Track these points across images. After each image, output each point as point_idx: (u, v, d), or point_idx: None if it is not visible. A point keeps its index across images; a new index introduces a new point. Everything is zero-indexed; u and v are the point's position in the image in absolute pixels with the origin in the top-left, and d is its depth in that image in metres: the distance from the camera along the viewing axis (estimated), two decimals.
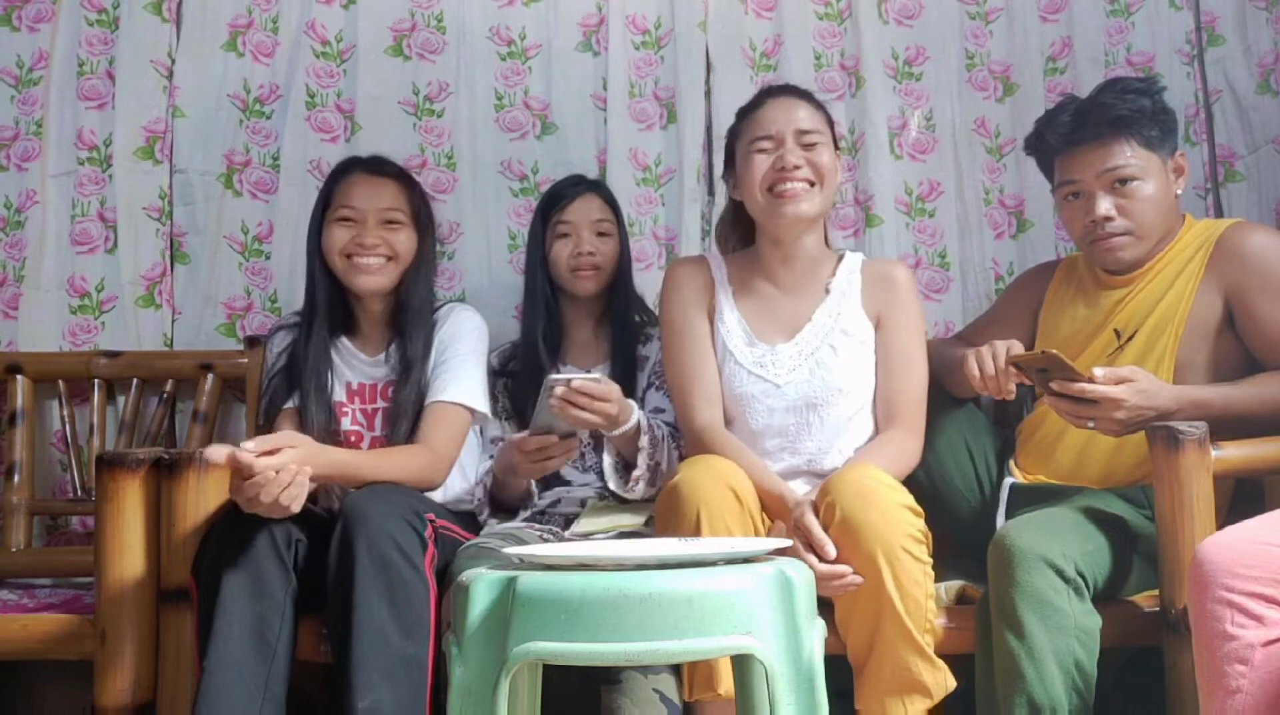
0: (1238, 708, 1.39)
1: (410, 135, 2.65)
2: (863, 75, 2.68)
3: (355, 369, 2.18)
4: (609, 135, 2.65)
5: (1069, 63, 2.71)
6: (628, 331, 2.24)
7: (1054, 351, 1.79)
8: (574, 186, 2.29)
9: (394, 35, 2.66)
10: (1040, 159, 2.14)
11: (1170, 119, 2.03)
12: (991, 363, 1.86)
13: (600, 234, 2.25)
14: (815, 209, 1.99)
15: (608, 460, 2.03)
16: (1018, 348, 1.88)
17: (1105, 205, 1.98)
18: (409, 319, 2.13)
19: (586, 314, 2.28)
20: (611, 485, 2.03)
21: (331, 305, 2.16)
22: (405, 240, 2.14)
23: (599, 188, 2.33)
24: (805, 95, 2.06)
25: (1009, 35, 2.73)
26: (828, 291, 2.05)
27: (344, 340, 2.19)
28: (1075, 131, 2.01)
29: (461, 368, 2.09)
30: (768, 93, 2.08)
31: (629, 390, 2.10)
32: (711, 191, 2.65)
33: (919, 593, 1.70)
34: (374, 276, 2.12)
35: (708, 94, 2.67)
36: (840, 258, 2.10)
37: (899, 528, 1.70)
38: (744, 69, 2.69)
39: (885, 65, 2.70)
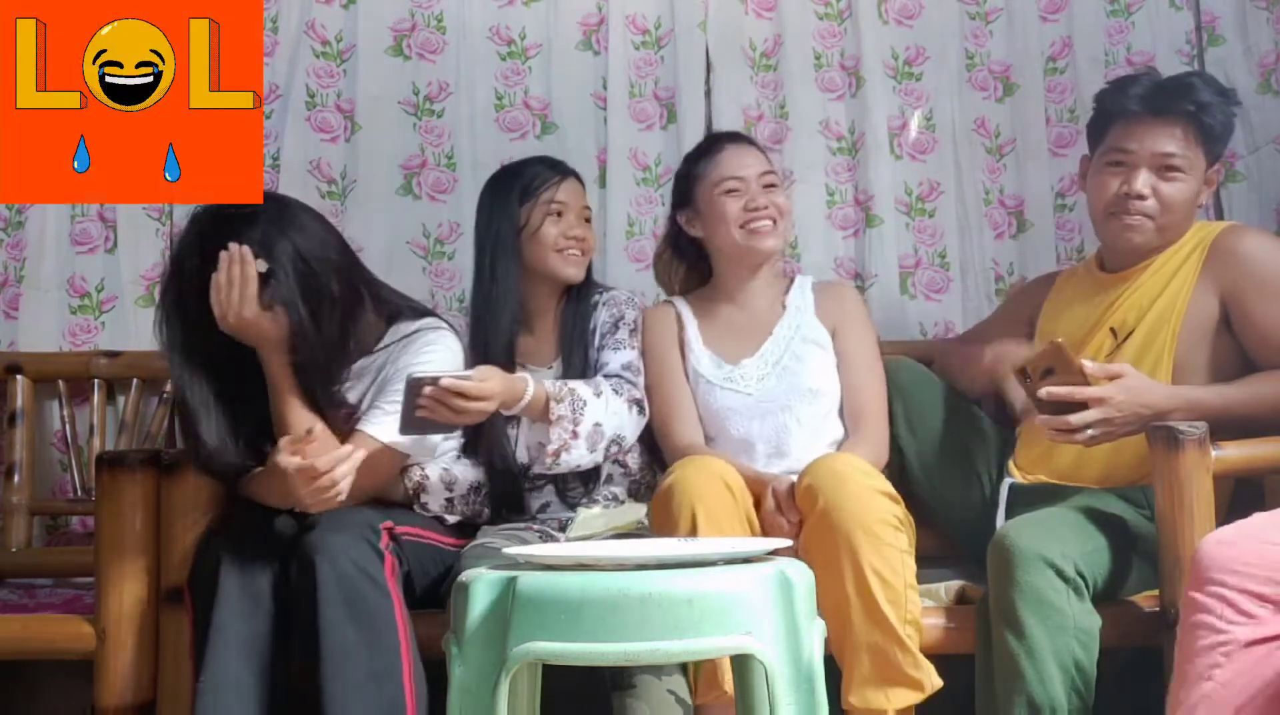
0: (1208, 697, 1.39)
1: (410, 135, 2.65)
2: (863, 75, 2.68)
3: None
4: (609, 135, 2.65)
5: (1069, 63, 2.71)
6: (582, 324, 2.15)
7: (1059, 341, 1.79)
8: (552, 168, 2.18)
9: (394, 35, 2.66)
10: (1100, 115, 2.10)
11: (1229, 131, 2.06)
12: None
13: (586, 221, 2.19)
14: (780, 244, 2.19)
15: (530, 436, 1.99)
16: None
17: (1145, 181, 1.98)
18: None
19: (549, 304, 2.19)
20: (537, 468, 2.01)
21: None
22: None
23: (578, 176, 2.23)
24: (753, 143, 2.25)
25: (1009, 35, 2.73)
26: (784, 307, 2.19)
27: None
28: (1154, 98, 2.00)
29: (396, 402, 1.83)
30: (722, 140, 2.23)
31: (585, 359, 2.10)
32: None
33: (898, 581, 1.73)
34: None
35: (708, 94, 2.67)
36: (791, 280, 2.25)
37: (873, 512, 1.74)
38: (744, 69, 2.69)
39: (885, 65, 2.70)
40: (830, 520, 1.74)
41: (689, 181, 2.20)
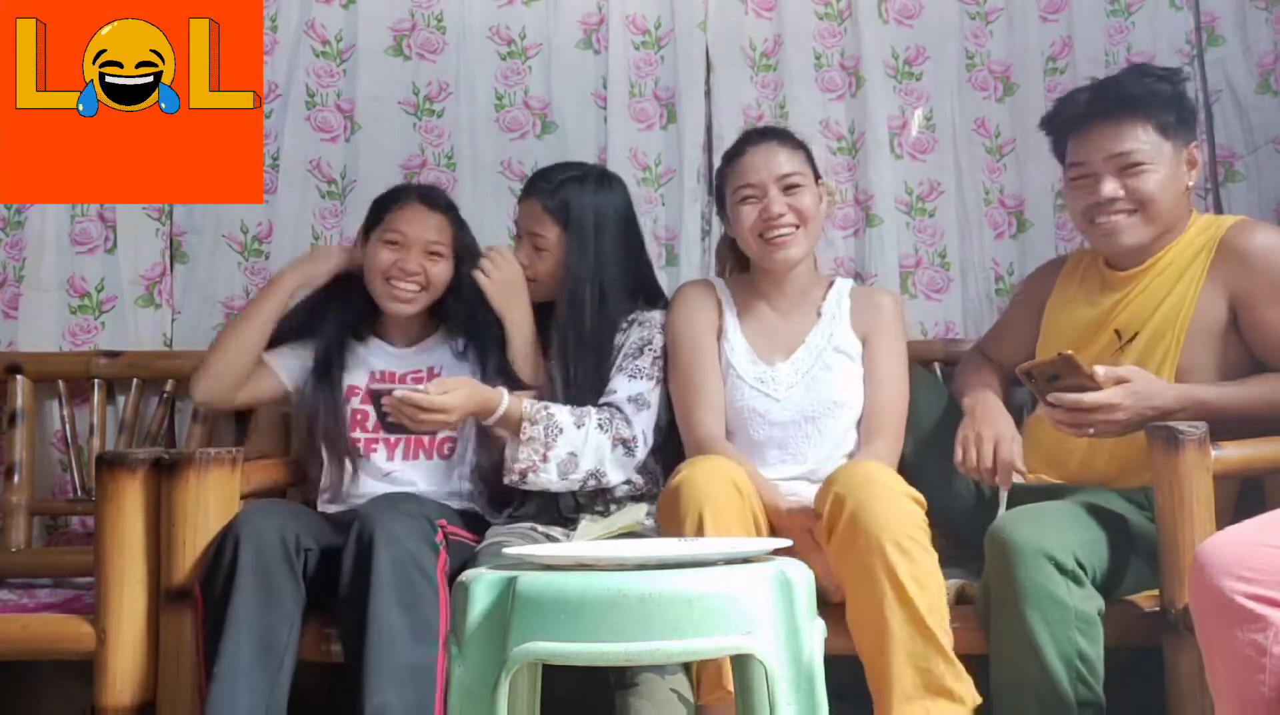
0: (1262, 710, 1.37)
1: (410, 135, 2.65)
2: (863, 75, 2.68)
3: (381, 358, 2.22)
4: (609, 135, 2.65)
5: (1069, 63, 2.71)
6: (579, 342, 2.10)
7: (1069, 352, 1.78)
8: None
9: (394, 35, 2.67)
10: (1054, 140, 2.12)
11: (1188, 108, 2.02)
12: (975, 456, 1.93)
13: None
14: (802, 250, 2.09)
15: (507, 451, 2.01)
16: (1006, 442, 1.91)
17: (1110, 187, 1.97)
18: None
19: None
20: (505, 479, 2.01)
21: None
22: (443, 271, 2.18)
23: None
24: (784, 137, 2.13)
25: (1009, 35, 2.73)
26: (819, 314, 2.13)
27: (372, 337, 2.24)
28: (1090, 107, 2.00)
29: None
30: (748, 139, 2.14)
31: (585, 393, 2.06)
32: (711, 191, 2.65)
33: (934, 586, 1.69)
34: (406, 305, 2.16)
35: (708, 94, 2.67)
36: (830, 283, 2.18)
37: (906, 518, 1.70)
38: (744, 69, 2.69)
39: (885, 65, 2.70)
40: (861, 527, 1.68)
41: (720, 182, 2.16)
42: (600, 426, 2.01)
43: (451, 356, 2.21)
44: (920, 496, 1.77)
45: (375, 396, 1.93)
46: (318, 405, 2.13)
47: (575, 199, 2.14)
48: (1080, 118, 2.02)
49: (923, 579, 1.67)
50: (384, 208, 2.19)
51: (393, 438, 2.13)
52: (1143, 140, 1.96)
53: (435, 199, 2.22)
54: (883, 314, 2.12)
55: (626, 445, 2.02)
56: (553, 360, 2.12)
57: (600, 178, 2.20)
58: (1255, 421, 1.86)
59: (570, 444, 1.97)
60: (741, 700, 1.52)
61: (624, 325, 2.15)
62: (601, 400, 2.06)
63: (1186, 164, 2.00)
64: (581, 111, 2.67)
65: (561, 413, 1.99)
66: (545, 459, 1.96)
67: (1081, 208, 2.03)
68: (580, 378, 2.09)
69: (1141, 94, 1.96)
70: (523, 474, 1.98)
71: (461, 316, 2.19)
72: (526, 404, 1.98)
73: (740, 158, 2.10)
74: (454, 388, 1.92)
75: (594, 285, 2.11)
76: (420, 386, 1.91)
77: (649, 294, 2.22)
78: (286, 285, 2.17)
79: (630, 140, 2.66)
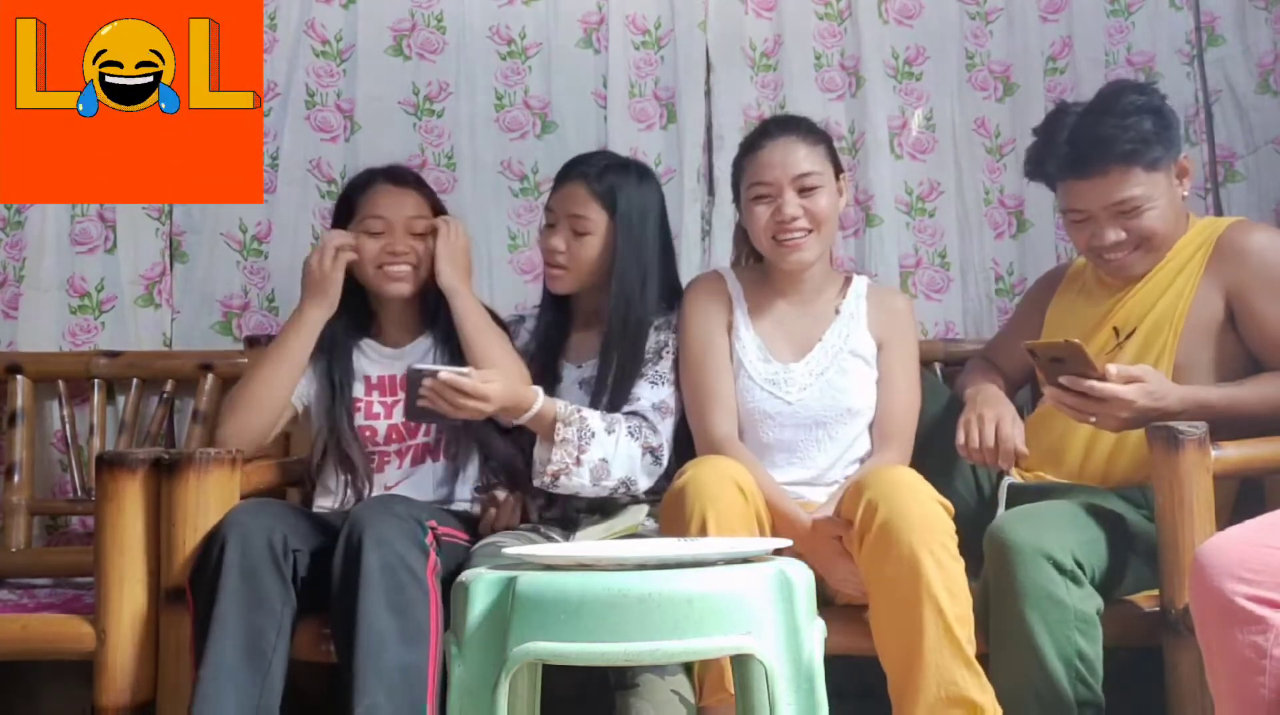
0: (1262, 711, 1.37)
1: (410, 135, 2.65)
2: (863, 75, 2.68)
3: (375, 363, 2.18)
4: (609, 135, 2.65)
5: (1069, 63, 2.71)
6: (624, 336, 2.06)
7: (1076, 341, 1.77)
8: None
9: (394, 35, 2.67)
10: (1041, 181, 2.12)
11: (1173, 131, 1.98)
12: (978, 436, 1.90)
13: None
14: (815, 254, 2.02)
15: (537, 452, 1.97)
16: (1008, 423, 1.90)
17: (1113, 235, 1.96)
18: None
19: (587, 312, 2.18)
20: (535, 482, 1.97)
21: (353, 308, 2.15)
22: (430, 246, 2.12)
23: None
24: (805, 131, 2.04)
25: (1009, 35, 2.73)
26: (837, 312, 2.07)
27: (364, 339, 2.19)
28: (1077, 166, 1.96)
29: None
30: (765, 132, 2.06)
31: (622, 392, 2.03)
32: (712, 191, 2.65)
33: (964, 595, 1.67)
34: (403, 283, 2.11)
35: (708, 94, 2.67)
36: (847, 280, 2.13)
37: (939, 524, 1.68)
38: (744, 69, 2.69)
39: (885, 65, 2.70)
40: (894, 536, 1.65)
41: (736, 172, 2.08)
42: (630, 433, 1.98)
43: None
44: (948, 502, 1.74)
45: (414, 379, 1.84)
46: (337, 432, 2.08)
47: (622, 186, 2.08)
48: (1067, 172, 1.98)
49: (954, 589, 1.65)
50: (353, 197, 2.15)
51: (399, 442, 2.10)
52: (1136, 184, 1.93)
53: (403, 176, 2.18)
54: (898, 317, 2.08)
55: (654, 454, 1.99)
56: (590, 360, 2.10)
57: (641, 170, 2.16)
58: (1257, 422, 1.86)
59: (602, 449, 1.93)
60: (741, 700, 1.52)
61: (653, 328, 2.10)
62: (626, 407, 2.02)
63: (1178, 177, 1.99)
64: (581, 111, 2.67)
65: (593, 417, 1.96)
66: (579, 462, 1.92)
67: (1084, 246, 2.03)
68: (617, 376, 2.04)
69: (1129, 148, 1.91)
70: (555, 476, 1.93)
71: (445, 317, 2.13)
72: (560, 405, 1.95)
73: (757, 152, 2.02)
74: (492, 379, 1.88)
75: (639, 281, 2.07)
76: (464, 369, 1.86)
77: (675, 294, 2.17)
78: (312, 322, 2.05)
79: (630, 140, 2.66)
